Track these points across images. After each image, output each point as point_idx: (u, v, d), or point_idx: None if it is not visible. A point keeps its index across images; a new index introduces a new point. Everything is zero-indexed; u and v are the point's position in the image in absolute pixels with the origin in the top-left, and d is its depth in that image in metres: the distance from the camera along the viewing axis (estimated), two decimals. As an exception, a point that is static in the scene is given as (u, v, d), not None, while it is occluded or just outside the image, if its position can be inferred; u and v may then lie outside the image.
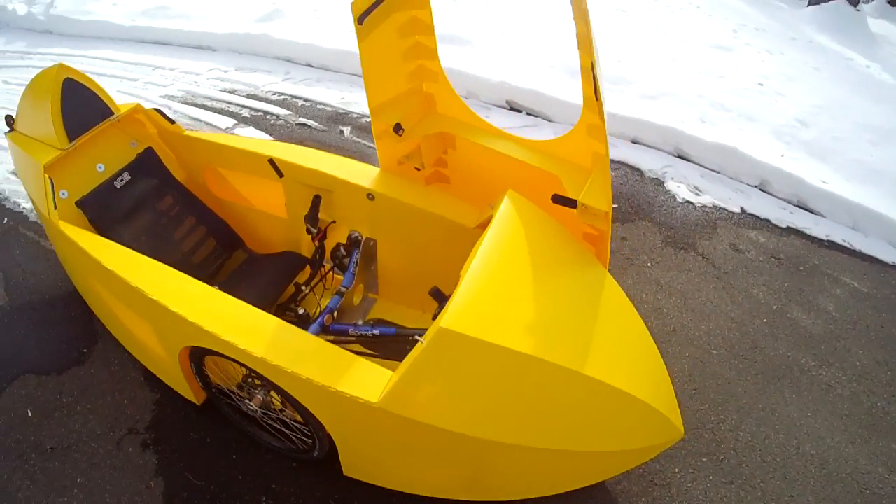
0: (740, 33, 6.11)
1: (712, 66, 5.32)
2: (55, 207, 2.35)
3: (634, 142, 4.56)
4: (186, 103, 4.83)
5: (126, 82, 5.13)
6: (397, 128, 2.28)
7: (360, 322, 2.65)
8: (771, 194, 4.11)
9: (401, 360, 1.78)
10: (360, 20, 1.92)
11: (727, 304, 3.23)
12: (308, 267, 2.84)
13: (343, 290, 2.56)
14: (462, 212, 2.39)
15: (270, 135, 4.45)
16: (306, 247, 2.91)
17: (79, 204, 2.53)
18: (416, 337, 1.76)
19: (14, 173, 3.86)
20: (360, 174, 2.55)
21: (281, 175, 2.67)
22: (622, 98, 4.75)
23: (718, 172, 4.28)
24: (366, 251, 2.68)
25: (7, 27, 6.39)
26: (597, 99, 1.72)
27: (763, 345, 3.00)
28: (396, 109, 2.34)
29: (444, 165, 2.65)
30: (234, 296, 2.10)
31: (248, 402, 2.25)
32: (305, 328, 2.26)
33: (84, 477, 2.35)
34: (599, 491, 2.33)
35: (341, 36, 5.45)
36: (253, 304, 2.06)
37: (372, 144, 4.34)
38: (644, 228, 3.73)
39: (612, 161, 4.31)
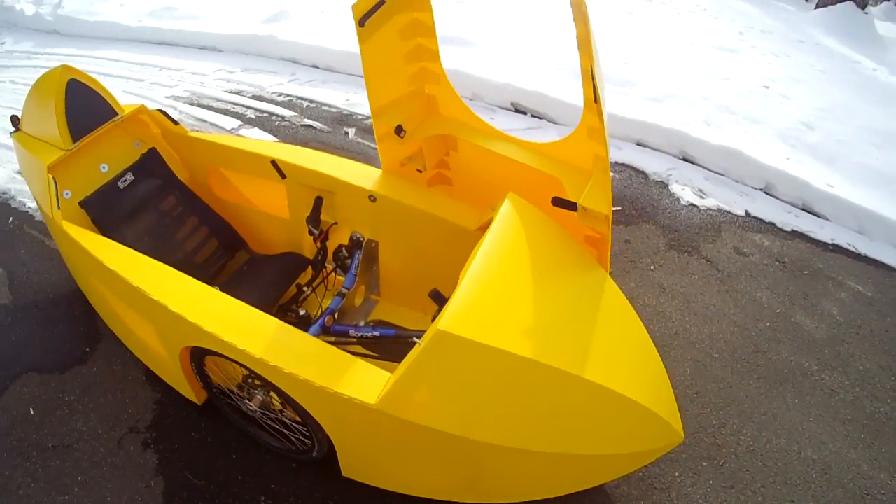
0: (746, 35, 6.09)
1: (718, 69, 5.31)
2: (58, 207, 2.37)
3: (639, 144, 4.54)
4: (192, 104, 4.86)
5: (132, 83, 5.16)
6: (398, 130, 2.29)
7: (362, 323, 2.65)
8: (776, 197, 4.09)
9: (401, 362, 1.78)
10: (361, 22, 1.92)
11: (730, 307, 3.21)
12: (310, 268, 2.85)
13: (344, 291, 2.57)
14: (463, 214, 2.39)
15: (275, 136, 4.47)
16: (308, 248, 2.92)
17: (82, 204, 2.55)
18: (414, 339, 1.76)
19: (19, 173, 3.89)
20: (362, 176, 2.56)
21: (283, 176, 2.67)
22: (627, 100, 4.74)
23: (723, 175, 4.26)
24: (367, 253, 2.69)
25: (15, 27, 6.44)
26: (596, 101, 1.71)
27: (766, 349, 2.99)
28: (398, 111, 2.35)
29: (447, 167, 2.66)
30: (236, 296, 2.10)
31: (247, 402, 2.26)
32: (306, 329, 2.28)
33: (85, 475, 2.37)
34: (599, 494, 2.32)
35: (347, 37, 5.46)
36: (254, 305, 2.07)
37: (376, 146, 4.36)
38: (648, 231, 3.71)
39: (617, 163, 4.31)
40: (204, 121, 4.61)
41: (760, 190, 4.14)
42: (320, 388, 1.78)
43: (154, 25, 5.98)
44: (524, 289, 1.87)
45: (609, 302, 2.05)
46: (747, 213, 3.91)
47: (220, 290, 2.21)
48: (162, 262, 2.23)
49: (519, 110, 4.89)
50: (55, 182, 2.37)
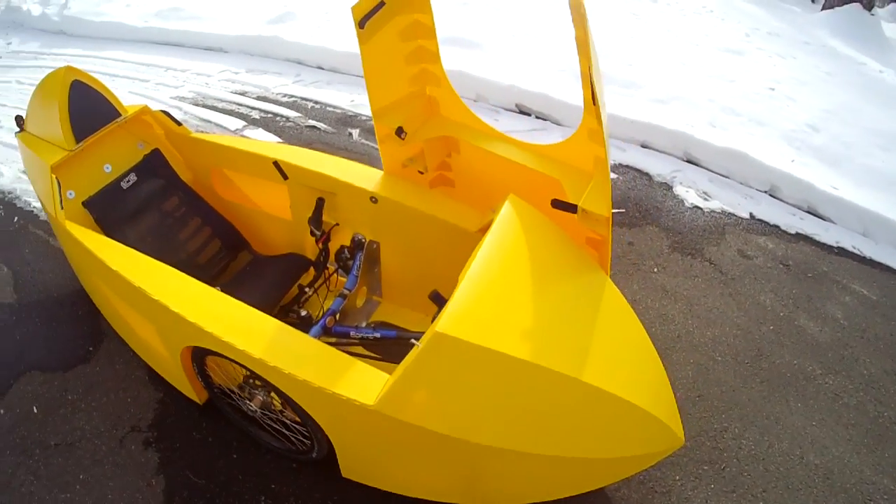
0: (753, 37, 6.07)
1: (723, 71, 5.29)
2: (62, 207, 2.38)
3: (643, 146, 4.53)
4: (197, 104, 4.88)
5: (138, 83, 5.19)
6: (399, 131, 2.29)
7: (363, 325, 2.66)
8: (780, 200, 4.07)
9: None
10: (361, 24, 1.93)
11: (733, 310, 3.20)
12: (312, 269, 2.85)
13: (346, 292, 2.57)
14: (464, 215, 2.40)
15: (279, 137, 4.48)
16: (311, 249, 2.92)
17: (85, 204, 2.56)
18: (413, 340, 1.77)
19: (25, 172, 3.92)
20: (364, 177, 2.56)
21: (285, 177, 2.68)
22: (632, 102, 4.73)
23: (728, 177, 4.25)
24: (369, 254, 2.69)
25: (21, 27, 6.49)
26: (594, 103, 1.71)
27: (769, 352, 2.98)
28: (399, 113, 2.35)
29: (449, 169, 2.66)
30: (238, 297, 2.11)
31: (248, 402, 2.26)
32: (308, 330, 2.28)
33: (86, 473, 2.38)
34: (599, 497, 2.31)
35: (352, 38, 5.41)
36: (256, 306, 2.07)
37: (378, 147, 4.37)
38: (651, 234, 3.70)
39: (621, 165, 4.30)
40: (208, 121, 4.63)
41: (765, 192, 4.12)
42: (319, 389, 1.79)
43: (160, 26, 6.01)
44: (523, 291, 1.87)
45: (609, 305, 2.05)
46: (751, 216, 3.90)
47: (222, 290, 2.22)
48: (165, 262, 2.24)
49: (523, 112, 4.89)
50: (58, 182, 2.39)
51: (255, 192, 3.00)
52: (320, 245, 2.71)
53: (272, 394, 2.15)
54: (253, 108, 4.85)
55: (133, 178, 2.73)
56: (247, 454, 2.44)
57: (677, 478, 2.41)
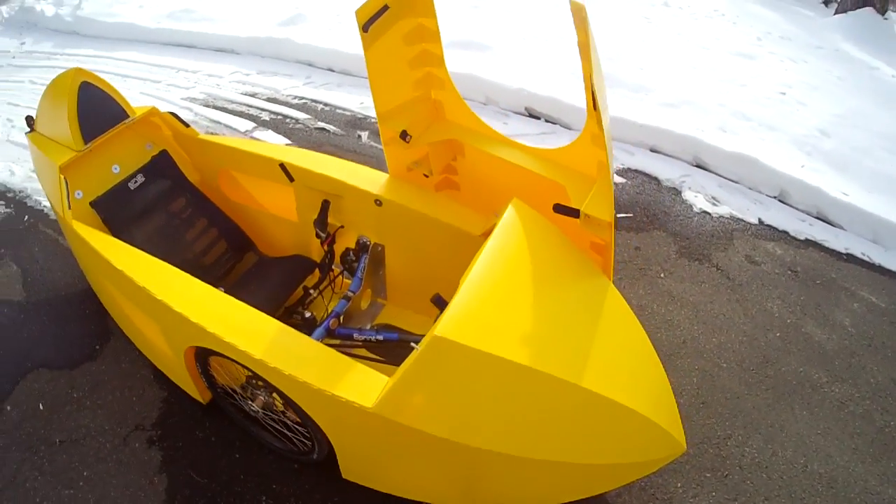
0: (764, 41, 6.03)
1: (734, 75, 5.25)
2: (69, 207, 2.41)
3: (653, 150, 4.51)
4: (208, 106, 4.92)
5: (149, 84, 5.24)
6: (403, 135, 2.30)
7: (367, 327, 2.67)
8: (790, 205, 4.03)
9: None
10: (365, 28, 1.93)
11: (740, 316, 3.18)
12: (317, 271, 2.87)
13: (350, 294, 2.58)
14: (469, 219, 2.40)
15: (289, 138, 4.50)
16: (316, 250, 2.94)
17: (93, 204, 2.59)
18: (413, 344, 1.77)
19: (35, 172, 3.97)
20: (369, 180, 2.57)
21: (291, 179, 2.70)
22: (642, 106, 4.71)
23: (737, 183, 4.22)
24: (374, 256, 2.70)
25: (35, 27, 6.57)
26: (595, 108, 1.71)
27: (775, 359, 2.95)
28: (404, 116, 2.36)
29: (454, 172, 2.66)
30: (243, 297, 2.13)
31: (250, 402, 2.28)
32: (311, 331, 2.29)
33: (90, 470, 2.40)
34: (599, 503, 2.31)
35: (362, 41, 5.49)
36: (260, 307, 2.09)
37: (385, 150, 4.38)
38: (658, 238, 3.69)
39: (630, 169, 4.28)
40: (219, 122, 4.66)
41: (774, 198, 4.09)
42: (319, 391, 1.80)
43: (172, 27, 6.07)
44: (524, 295, 1.87)
45: (611, 310, 2.04)
46: (760, 221, 3.87)
47: (228, 291, 2.24)
48: (171, 262, 2.26)
49: (532, 115, 4.88)
50: (66, 182, 2.42)
51: (261, 193, 3.02)
52: (325, 247, 2.73)
53: (274, 395, 2.17)
54: (263, 110, 4.88)
55: (141, 178, 2.76)
56: (249, 454, 2.46)
57: (679, 485, 2.39)
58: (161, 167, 2.84)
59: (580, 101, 4.62)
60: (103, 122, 2.61)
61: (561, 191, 2.14)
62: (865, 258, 3.63)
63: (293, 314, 2.70)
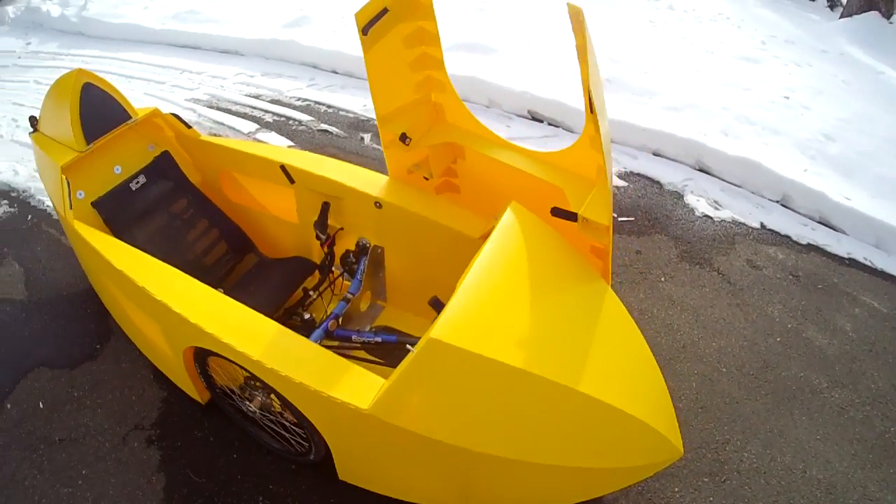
0: (769, 45, 6.01)
1: (738, 79, 5.24)
2: (70, 207, 2.43)
3: (656, 154, 4.51)
4: (211, 107, 4.93)
5: (154, 85, 5.26)
6: (403, 137, 2.30)
7: (367, 329, 2.67)
8: (793, 210, 4.02)
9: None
10: (364, 31, 1.94)
11: (741, 321, 3.17)
12: (317, 272, 2.87)
13: (349, 296, 2.59)
14: (468, 222, 2.40)
15: (292, 140, 4.52)
16: (317, 252, 2.95)
17: (94, 204, 2.60)
18: (409, 346, 1.77)
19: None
20: (369, 182, 2.58)
21: (292, 181, 2.71)
22: (645, 109, 4.70)
23: (740, 187, 4.21)
24: (373, 258, 2.71)
25: (41, 28, 6.61)
26: (591, 111, 1.71)
27: (775, 364, 2.94)
28: (404, 119, 2.36)
29: (454, 175, 2.67)
30: (242, 298, 2.14)
31: (248, 403, 2.29)
32: (310, 333, 2.30)
33: (89, 469, 2.42)
34: (596, 507, 2.31)
35: (365, 43, 5.50)
36: (259, 308, 2.10)
37: (387, 152, 4.39)
38: (660, 242, 3.68)
39: (632, 173, 4.28)
40: (222, 124, 4.68)
41: (777, 202, 4.08)
42: (315, 392, 1.80)
43: (177, 28, 6.09)
44: (521, 299, 1.87)
45: (609, 314, 2.04)
46: (762, 226, 3.86)
47: (228, 292, 2.25)
48: (172, 263, 2.27)
49: (536, 118, 4.88)
50: (68, 182, 2.43)
51: (262, 195, 3.03)
52: (325, 249, 2.73)
53: (271, 396, 2.17)
54: (266, 112, 4.89)
55: (142, 179, 2.77)
56: (247, 454, 2.46)
57: (676, 489, 2.39)
58: (163, 168, 2.85)
59: (583, 104, 4.62)
60: (105, 122, 2.63)
61: (560, 194, 2.14)
62: (868, 263, 3.62)
63: (292, 315, 2.70)
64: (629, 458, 1.82)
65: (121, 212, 2.68)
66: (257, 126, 4.67)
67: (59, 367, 2.80)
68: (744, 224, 3.86)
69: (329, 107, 5.00)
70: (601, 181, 1.93)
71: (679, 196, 4.09)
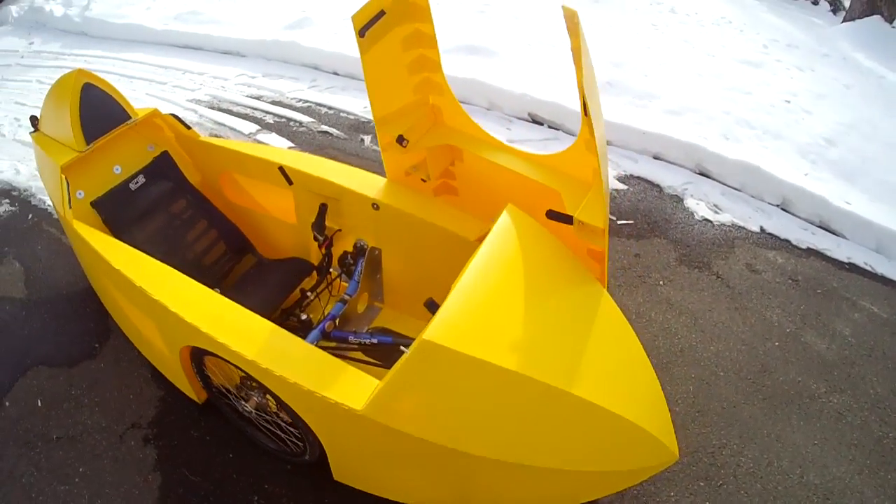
0: (771, 49, 6.00)
1: (740, 82, 5.23)
2: (70, 206, 2.44)
3: (656, 157, 4.50)
4: (212, 108, 4.95)
5: (155, 85, 5.28)
6: (400, 139, 2.31)
7: (364, 330, 2.67)
8: (793, 214, 4.01)
9: None
10: (361, 33, 1.95)
11: (739, 325, 3.16)
12: (316, 273, 2.88)
13: (347, 297, 2.59)
14: (465, 224, 2.40)
15: (292, 142, 4.53)
16: (315, 253, 2.95)
17: (94, 204, 2.62)
18: (402, 348, 1.78)
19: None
20: (367, 184, 2.58)
21: (290, 182, 2.71)
22: (646, 113, 4.70)
23: (740, 191, 4.20)
24: (371, 260, 2.71)
25: (44, 28, 6.64)
26: (585, 114, 1.71)
27: (773, 368, 2.93)
28: (401, 121, 2.37)
29: (453, 177, 2.67)
30: (240, 299, 2.15)
31: (244, 403, 2.29)
32: (307, 333, 2.31)
33: (86, 467, 2.43)
34: (591, 510, 2.30)
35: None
36: (257, 308, 2.11)
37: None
38: (659, 246, 3.68)
39: (632, 176, 4.28)
40: (223, 125, 4.70)
41: (777, 206, 4.07)
42: (309, 392, 1.81)
43: (179, 29, 6.11)
44: (516, 301, 1.87)
45: (604, 318, 2.04)
46: (762, 230, 3.85)
47: (226, 292, 2.26)
48: (171, 263, 2.28)
49: (536, 121, 4.88)
50: (68, 182, 2.44)
51: (261, 196, 3.04)
52: (323, 250, 2.74)
53: (267, 396, 2.18)
54: (267, 113, 4.91)
55: (142, 179, 2.78)
56: (243, 454, 2.47)
57: (672, 493, 2.38)
58: (162, 168, 2.86)
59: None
60: (105, 123, 2.64)
61: (558, 197, 2.15)
62: (868, 268, 3.61)
63: (290, 316, 2.71)
64: (623, 461, 1.82)
65: (120, 212, 2.69)
66: (258, 127, 4.68)
67: (58, 365, 2.81)
68: (743, 228, 3.85)
69: (330, 108, 5.01)
70: (597, 184, 1.94)
71: (679, 200, 4.08)
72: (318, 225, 2.68)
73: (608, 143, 4.59)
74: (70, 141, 2.55)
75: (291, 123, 4.77)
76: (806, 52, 6.03)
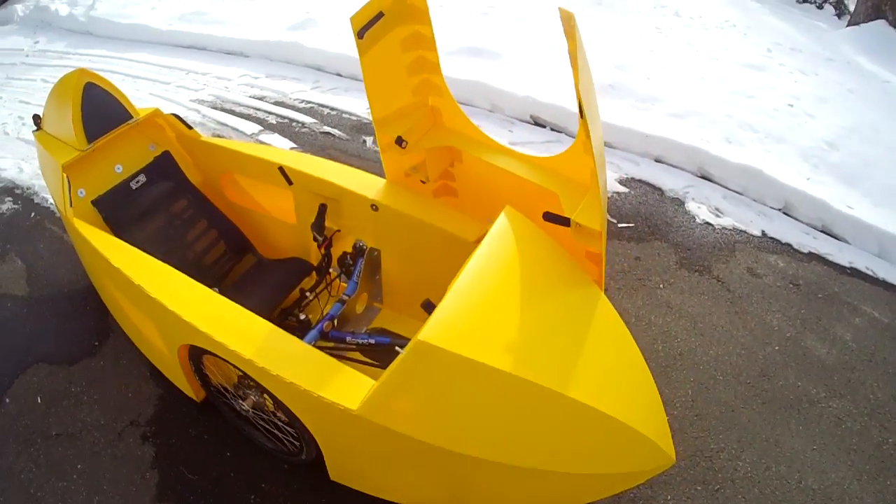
0: (775, 52, 5.99)
1: (742, 86, 5.22)
2: (70, 205, 2.45)
3: (658, 161, 4.49)
4: (215, 108, 4.97)
5: (159, 85, 5.30)
6: (399, 140, 2.32)
7: (363, 330, 2.68)
8: (795, 218, 4.00)
9: None
10: (360, 34, 1.96)
11: (739, 329, 3.15)
12: (315, 273, 2.89)
13: (345, 298, 2.60)
14: (464, 226, 2.41)
15: (294, 142, 4.54)
16: (315, 253, 2.96)
17: (95, 203, 2.63)
18: (398, 348, 1.78)
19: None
20: (366, 185, 2.59)
21: (290, 183, 2.72)
22: (648, 116, 4.69)
23: (742, 194, 4.19)
24: (370, 261, 2.71)
25: (49, 27, 6.67)
26: (581, 116, 1.72)
27: (772, 373, 2.93)
28: (400, 122, 2.38)
29: (452, 179, 2.67)
30: (239, 299, 2.15)
31: (241, 402, 2.30)
32: (306, 333, 2.32)
33: (85, 464, 2.44)
34: (588, 513, 2.30)
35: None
36: (256, 308, 2.11)
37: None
38: (659, 249, 3.67)
39: (633, 179, 4.27)
40: (225, 125, 4.71)
41: (779, 210, 4.06)
42: (305, 392, 1.81)
43: (184, 29, 6.13)
44: (512, 303, 1.87)
45: (601, 320, 2.03)
46: (763, 234, 3.84)
47: (225, 292, 2.26)
48: (171, 262, 2.29)
49: (538, 123, 4.88)
50: (69, 181, 2.46)
51: (262, 196, 3.05)
52: (322, 250, 2.75)
53: (264, 395, 2.18)
54: (270, 113, 4.92)
55: (143, 178, 2.80)
56: (241, 453, 2.48)
57: (669, 497, 2.38)
58: (163, 168, 2.87)
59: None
60: (107, 122, 2.66)
61: (557, 199, 2.15)
62: (869, 272, 3.60)
63: (289, 316, 2.72)
64: (618, 464, 1.81)
65: (121, 210, 2.70)
66: (260, 127, 4.70)
67: (58, 362, 2.83)
68: (745, 232, 3.84)
69: (332, 109, 5.02)
70: (593, 186, 1.94)
71: (680, 203, 4.08)
72: (318, 225, 2.69)
73: (610, 145, 4.59)
74: (71, 140, 2.57)
75: (294, 124, 4.78)
76: (809, 55, 6.01)
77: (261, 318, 2.05)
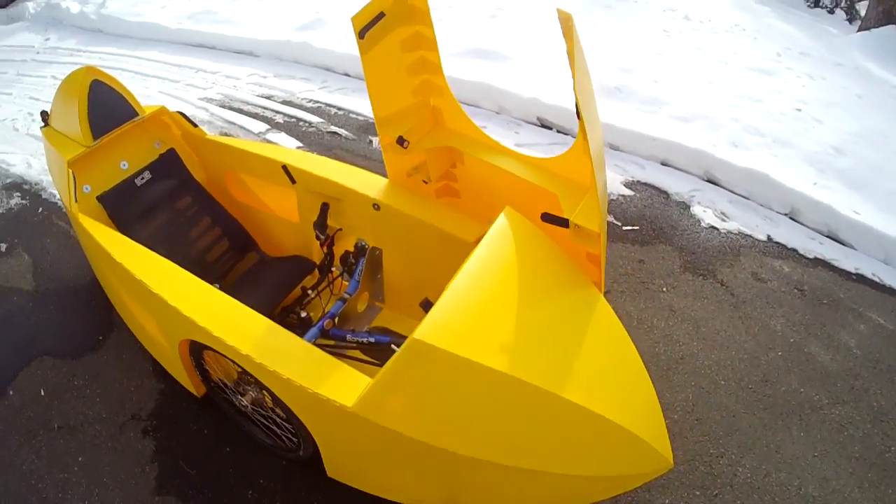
0: (783, 57, 5.96)
1: (750, 90, 5.20)
2: (76, 201, 2.48)
3: (664, 164, 4.48)
4: (223, 106, 5.00)
5: (168, 83, 5.34)
6: (400, 140, 2.32)
7: (364, 329, 2.69)
8: (801, 223, 3.97)
9: None
10: (361, 34, 1.97)
11: (742, 334, 3.14)
12: (317, 272, 2.90)
13: (346, 296, 2.61)
14: (465, 226, 2.41)
15: (301, 142, 4.56)
16: (318, 252, 2.97)
17: (100, 199, 2.66)
18: (394, 346, 1.79)
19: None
20: (368, 184, 2.60)
21: (293, 181, 2.74)
22: (655, 119, 4.68)
23: (748, 199, 4.17)
24: (371, 260, 2.72)
25: (60, 24, 6.74)
26: (578, 118, 1.72)
27: (775, 379, 2.91)
28: (402, 122, 2.38)
29: (454, 179, 2.68)
30: (240, 296, 2.17)
31: (240, 398, 2.31)
32: (306, 331, 2.33)
33: (85, 456, 2.47)
34: (585, 515, 2.29)
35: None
36: (257, 305, 2.13)
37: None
38: (663, 252, 3.66)
39: (639, 182, 4.26)
40: (233, 123, 4.74)
41: (785, 215, 4.03)
42: (302, 388, 1.82)
43: (193, 28, 6.18)
44: (509, 303, 1.87)
45: (599, 322, 2.03)
46: (769, 238, 3.82)
47: (227, 289, 2.28)
48: (174, 259, 2.31)
49: (545, 125, 4.88)
50: (74, 177, 2.49)
51: (265, 194, 3.07)
52: (324, 249, 2.76)
53: (263, 391, 2.20)
54: (277, 112, 4.95)
55: (148, 175, 2.82)
56: (240, 449, 2.49)
57: (667, 501, 2.37)
58: (168, 165, 2.90)
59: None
60: (113, 119, 2.68)
61: (556, 200, 2.14)
62: (875, 279, 3.57)
63: (290, 314, 2.73)
64: (614, 466, 1.80)
65: (125, 207, 2.73)
66: (268, 126, 4.72)
67: (62, 356, 2.86)
68: (750, 236, 3.82)
69: (339, 109, 5.05)
70: (592, 187, 1.93)
71: (686, 206, 4.06)
72: (320, 224, 2.70)
73: (616, 148, 4.58)
74: (78, 136, 2.60)
75: (301, 123, 4.80)
76: (818, 60, 5.98)
77: (260, 315, 2.06)
